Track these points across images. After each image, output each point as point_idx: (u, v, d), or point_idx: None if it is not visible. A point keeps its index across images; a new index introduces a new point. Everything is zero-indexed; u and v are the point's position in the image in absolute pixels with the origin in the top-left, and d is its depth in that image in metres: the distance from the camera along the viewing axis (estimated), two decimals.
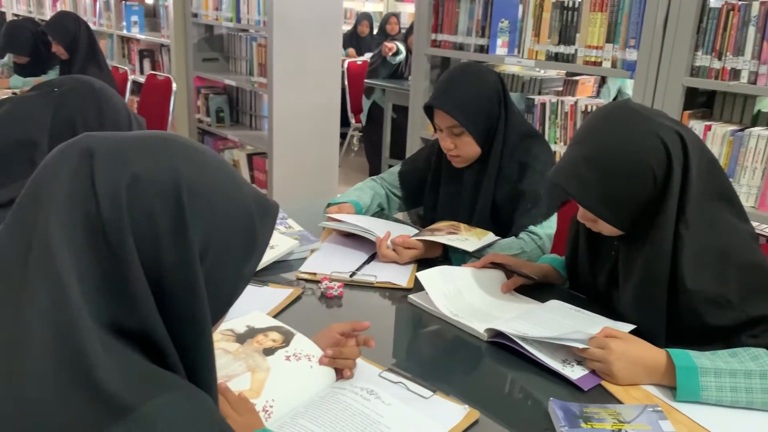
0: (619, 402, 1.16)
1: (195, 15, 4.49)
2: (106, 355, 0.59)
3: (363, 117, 5.51)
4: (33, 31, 4.27)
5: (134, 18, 5.25)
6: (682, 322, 1.26)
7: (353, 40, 7.06)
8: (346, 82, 5.70)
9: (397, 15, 7.29)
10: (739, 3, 2.02)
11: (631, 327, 1.30)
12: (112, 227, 0.62)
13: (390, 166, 2.40)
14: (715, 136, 2.13)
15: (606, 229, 1.32)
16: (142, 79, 4.84)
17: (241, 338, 1.15)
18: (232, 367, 1.08)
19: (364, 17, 7.38)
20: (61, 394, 0.57)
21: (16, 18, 6.17)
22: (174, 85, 4.35)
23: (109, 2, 5.50)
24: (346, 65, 5.72)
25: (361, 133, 6.00)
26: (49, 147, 1.30)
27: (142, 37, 5.21)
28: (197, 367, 0.68)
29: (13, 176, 1.27)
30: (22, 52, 4.27)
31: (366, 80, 5.36)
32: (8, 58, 4.54)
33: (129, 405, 0.58)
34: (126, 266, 0.62)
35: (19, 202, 0.66)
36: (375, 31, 7.24)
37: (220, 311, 0.74)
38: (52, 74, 4.26)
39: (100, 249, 0.62)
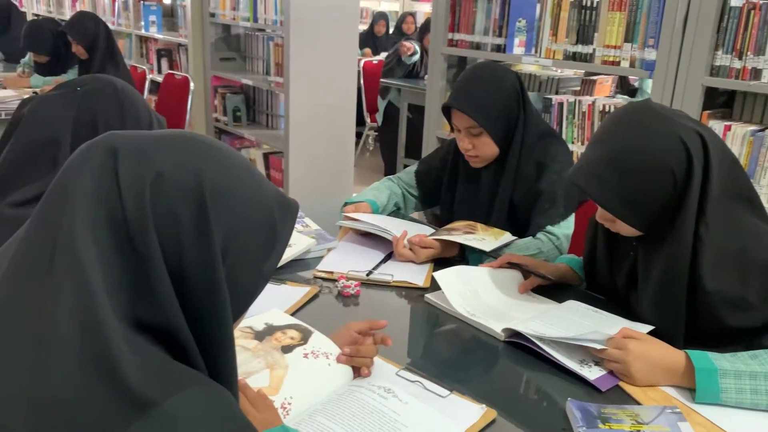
0: (638, 403, 1.15)
1: (212, 15, 4.51)
2: (130, 353, 0.60)
3: (378, 117, 5.51)
4: (53, 31, 4.31)
5: (152, 18, 5.29)
6: (701, 323, 1.25)
7: (369, 40, 7.06)
8: (361, 82, 5.71)
9: (413, 14, 7.28)
10: (761, 2, 2.00)
11: (650, 328, 1.29)
12: (135, 225, 0.63)
13: (405, 166, 2.41)
14: (735, 137, 2.11)
15: (624, 229, 1.31)
16: (159, 79, 4.88)
17: (260, 335, 1.16)
18: (251, 364, 1.08)
19: (381, 17, 7.39)
20: (86, 391, 0.58)
21: (36, 18, 6.24)
22: (191, 85, 4.39)
23: (128, 2, 5.55)
24: (361, 65, 5.72)
25: (376, 133, 6.00)
26: (71, 146, 1.31)
27: (160, 36, 5.25)
28: (218, 364, 0.68)
29: (37, 174, 1.29)
30: (43, 51, 4.32)
31: (382, 80, 5.36)
32: (29, 57, 4.59)
33: (151, 401, 0.59)
34: (149, 264, 0.63)
35: (45, 200, 0.67)
36: (391, 31, 7.24)
37: (240, 308, 0.75)
38: (72, 73, 4.31)
39: (124, 246, 0.63)
